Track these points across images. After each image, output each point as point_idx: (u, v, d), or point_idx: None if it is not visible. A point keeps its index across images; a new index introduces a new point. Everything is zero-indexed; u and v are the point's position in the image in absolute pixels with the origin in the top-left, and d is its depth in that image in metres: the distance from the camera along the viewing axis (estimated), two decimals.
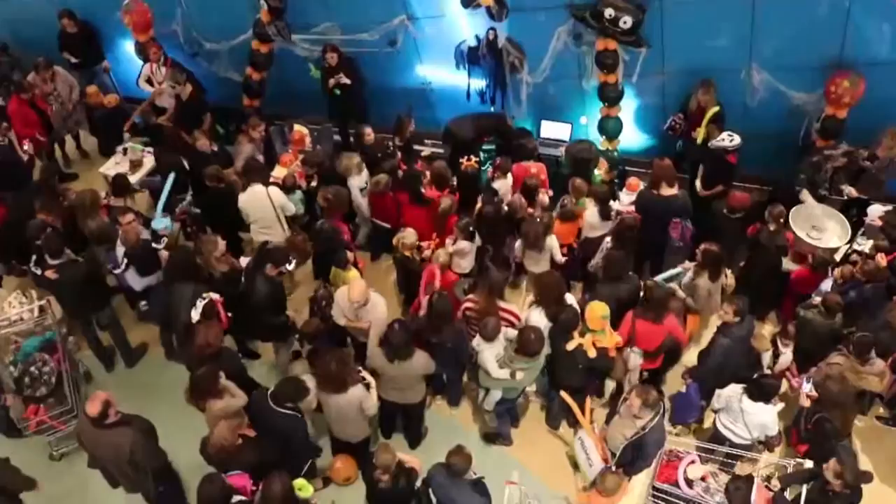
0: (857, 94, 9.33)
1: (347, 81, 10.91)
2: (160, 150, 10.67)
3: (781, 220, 8.74)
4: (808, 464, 7.11)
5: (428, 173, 9.68)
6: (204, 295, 7.71)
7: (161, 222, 9.01)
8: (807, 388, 7.66)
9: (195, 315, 7.56)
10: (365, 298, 7.61)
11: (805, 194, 9.44)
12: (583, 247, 9.35)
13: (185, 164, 10.16)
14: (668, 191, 9.09)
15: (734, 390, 7.43)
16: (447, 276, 8.63)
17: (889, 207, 9.25)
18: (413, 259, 8.85)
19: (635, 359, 7.91)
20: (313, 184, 9.94)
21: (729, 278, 8.66)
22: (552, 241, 8.80)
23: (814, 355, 8.09)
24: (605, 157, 10.32)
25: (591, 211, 9.19)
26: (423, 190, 9.42)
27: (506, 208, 9.27)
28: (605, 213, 9.15)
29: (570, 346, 7.55)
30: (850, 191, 9.56)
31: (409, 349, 7.27)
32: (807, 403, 7.53)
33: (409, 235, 8.81)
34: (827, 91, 9.53)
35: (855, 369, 7.59)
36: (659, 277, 8.68)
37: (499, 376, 7.44)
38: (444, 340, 7.60)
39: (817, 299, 8.21)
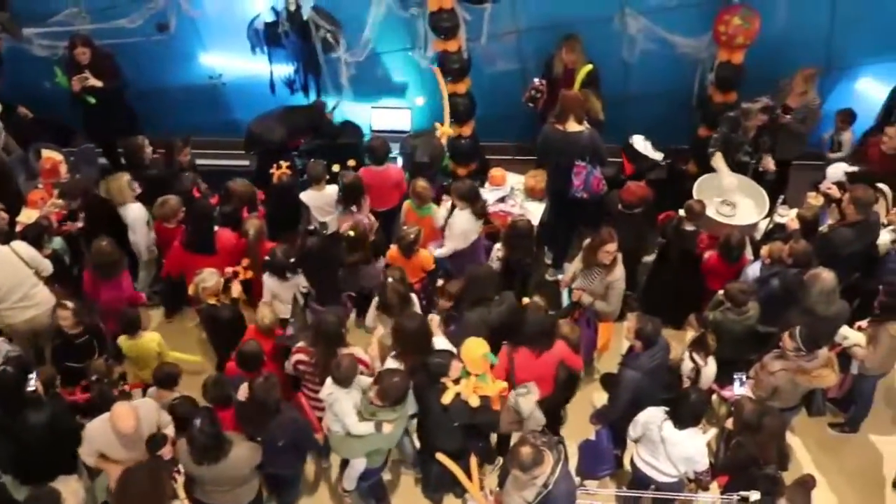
0: (752, 32, 9.65)
1: (97, 83, 10.39)
2: None
3: (698, 217, 8.95)
4: (755, 496, 7.13)
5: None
6: None
7: None
8: (740, 390, 7.81)
9: None
10: (135, 426, 7.13)
11: (717, 158, 9.65)
12: (455, 265, 9.29)
13: None
14: (574, 126, 9.21)
15: (654, 415, 7.40)
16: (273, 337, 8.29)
17: (853, 168, 9.56)
18: (223, 305, 8.52)
19: (527, 401, 7.74)
20: (79, 224, 9.46)
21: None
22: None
23: (736, 361, 8.26)
24: (456, 147, 10.21)
25: (461, 217, 9.10)
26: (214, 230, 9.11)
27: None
28: (480, 213, 9.16)
29: (447, 397, 7.33)
30: (767, 162, 9.89)
31: (221, 446, 6.95)
32: (729, 425, 7.60)
33: (208, 277, 8.43)
34: (716, 32, 9.82)
35: (803, 369, 7.72)
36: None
37: (362, 432, 7.23)
38: (274, 438, 7.26)
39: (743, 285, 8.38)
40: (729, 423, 7.59)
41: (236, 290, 8.66)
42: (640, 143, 10.03)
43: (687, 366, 8.14)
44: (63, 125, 11.16)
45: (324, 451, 8.19)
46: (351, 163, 10.14)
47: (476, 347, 7.37)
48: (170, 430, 7.35)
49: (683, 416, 7.20)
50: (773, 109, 9.73)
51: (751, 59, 10.09)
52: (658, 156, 10.04)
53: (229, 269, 8.75)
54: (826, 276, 7.87)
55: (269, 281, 8.64)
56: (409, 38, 10.59)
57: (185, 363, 8.67)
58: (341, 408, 7.22)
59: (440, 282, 9.18)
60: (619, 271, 8.49)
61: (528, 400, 7.70)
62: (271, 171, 9.77)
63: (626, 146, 10.17)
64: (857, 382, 8.54)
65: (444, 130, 10.28)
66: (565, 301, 8.95)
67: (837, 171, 9.53)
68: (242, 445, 7.10)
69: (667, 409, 7.35)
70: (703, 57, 10.22)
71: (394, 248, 8.95)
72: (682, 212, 9.03)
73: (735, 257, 8.78)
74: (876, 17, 10.32)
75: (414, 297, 8.42)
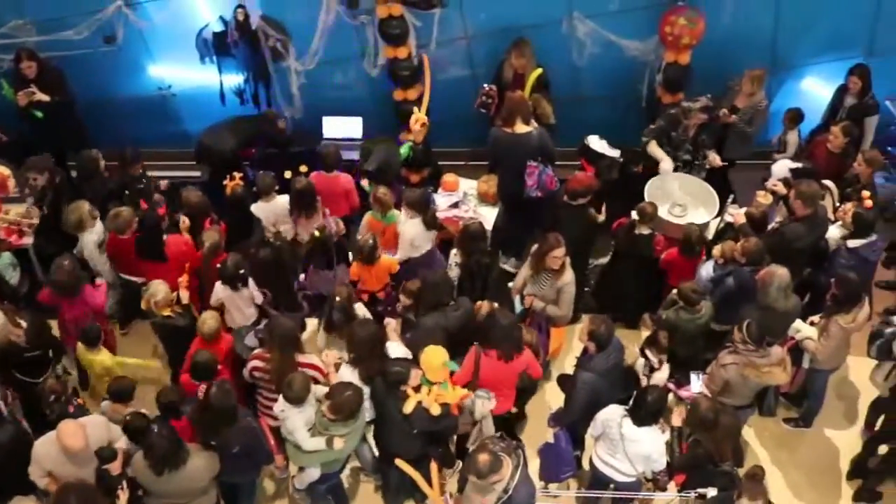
0: (698, 32, 9.81)
1: (44, 98, 10.28)
2: None
3: (651, 218, 9.03)
4: (712, 492, 7.19)
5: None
6: None
7: None
8: (698, 387, 7.88)
9: None
10: (83, 444, 6.99)
11: (653, 146, 9.75)
12: (409, 274, 9.16)
13: None
14: (523, 128, 9.25)
15: (614, 412, 7.42)
16: (220, 344, 8.20)
17: (797, 164, 9.72)
18: (178, 315, 8.45)
19: (483, 405, 7.76)
20: (25, 240, 9.44)
21: None
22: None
23: (691, 360, 8.33)
24: (409, 153, 10.23)
25: (410, 226, 9.08)
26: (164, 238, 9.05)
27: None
28: (431, 222, 9.13)
29: (409, 406, 7.31)
30: (713, 159, 9.99)
31: (179, 452, 6.88)
32: (678, 422, 7.67)
33: (158, 289, 8.35)
34: (662, 33, 9.95)
35: (753, 364, 7.78)
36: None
37: (312, 448, 7.19)
38: (228, 445, 7.20)
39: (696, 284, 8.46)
40: (676, 420, 7.64)
41: (185, 296, 8.58)
42: (596, 142, 10.05)
43: (640, 364, 8.22)
44: (23, 139, 11.00)
45: (270, 460, 8.00)
46: (303, 168, 10.13)
47: (436, 356, 7.37)
48: (122, 443, 7.28)
49: (642, 413, 7.22)
50: (712, 109, 9.84)
51: (698, 59, 10.25)
52: (615, 153, 10.07)
53: (182, 279, 8.68)
54: (782, 272, 8.00)
55: (221, 291, 8.56)
56: (359, 46, 10.56)
57: (143, 370, 8.71)
58: (292, 424, 7.18)
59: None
60: (569, 275, 8.48)
61: (484, 404, 7.73)
62: (224, 182, 9.71)
63: (582, 149, 10.17)
64: (809, 377, 8.65)
65: (419, 117, 10.24)
66: (517, 308, 8.96)
67: (782, 168, 9.69)
68: (200, 455, 7.04)
69: (626, 406, 7.39)
70: (650, 59, 10.34)
71: (355, 262, 8.91)
72: (634, 215, 9.09)
73: (695, 252, 8.86)
74: (819, 18, 10.55)
75: (363, 309, 8.44)
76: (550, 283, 8.50)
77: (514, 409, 8.31)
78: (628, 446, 7.26)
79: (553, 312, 8.61)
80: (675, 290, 8.46)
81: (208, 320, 7.99)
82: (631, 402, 7.43)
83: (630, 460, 7.33)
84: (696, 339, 8.38)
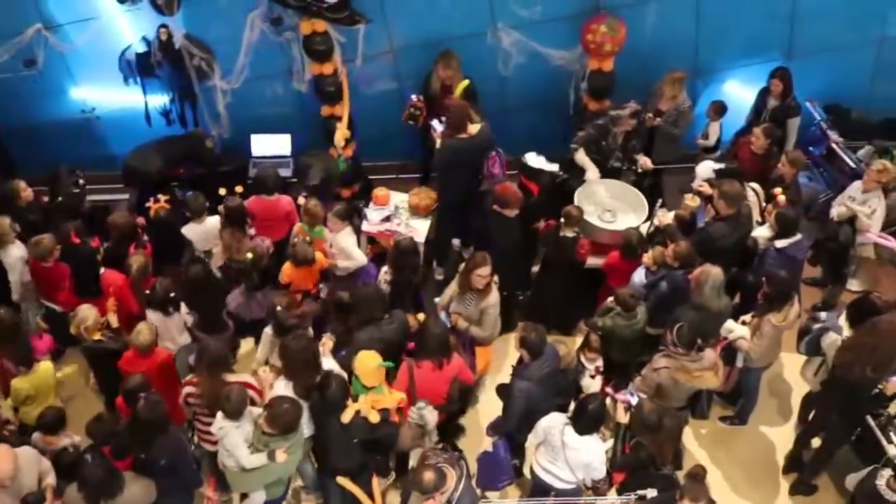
0: (619, 39, 9.95)
1: None
2: None
3: (576, 222, 9.10)
4: (651, 493, 7.25)
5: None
6: None
7: None
8: (634, 400, 7.88)
9: None
10: (12, 469, 6.77)
11: (580, 154, 9.83)
12: (337, 286, 9.15)
13: None
14: (475, 127, 9.40)
15: (556, 420, 7.44)
16: (154, 357, 8.10)
17: (720, 165, 9.90)
18: (109, 338, 8.35)
19: (432, 415, 7.75)
20: None
21: None
22: None
23: (628, 364, 8.45)
24: (337, 169, 10.23)
25: (344, 235, 9.10)
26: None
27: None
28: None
29: (347, 416, 7.27)
30: (644, 162, 10.12)
31: (115, 480, 6.79)
32: (624, 420, 7.71)
33: (87, 315, 8.23)
34: (584, 42, 10.07)
35: (685, 368, 7.86)
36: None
37: (255, 464, 7.12)
38: (157, 457, 7.11)
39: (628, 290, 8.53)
40: (622, 416, 7.72)
41: (114, 320, 8.48)
42: (534, 158, 10.12)
43: (576, 367, 8.31)
44: None
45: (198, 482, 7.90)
46: (239, 189, 10.07)
47: (369, 359, 7.35)
48: (51, 479, 7.15)
49: (584, 422, 7.24)
50: (640, 114, 9.97)
51: (623, 66, 10.39)
52: (554, 167, 10.15)
53: (110, 301, 8.59)
54: (715, 271, 8.11)
55: (152, 316, 8.45)
56: (284, 63, 10.52)
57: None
58: (232, 441, 7.11)
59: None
60: (493, 297, 8.50)
61: (433, 413, 7.72)
62: (148, 204, 9.64)
63: (522, 168, 10.24)
64: (743, 375, 8.78)
65: (343, 132, 10.33)
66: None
67: (706, 169, 9.85)
68: (136, 482, 6.96)
69: (568, 415, 7.41)
70: (575, 67, 10.46)
71: (288, 264, 8.85)
72: (567, 231, 9.14)
73: (636, 255, 8.92)
74: (739, 23, 10.80)
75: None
76: (475, 304, 8.52)
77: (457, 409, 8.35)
78: (569, 454, 7.29)
79: (476, 333, 8.64)
80: (611, 298, 8.54)
81: (143, 331, 7.88)
82: (572, 410, 7.46)
83: (570, 468, 7.35)
84: (633, 344, 8.47)
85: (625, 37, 9.91)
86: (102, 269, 8.95)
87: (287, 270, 8.87)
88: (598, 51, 9.96)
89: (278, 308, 8.06)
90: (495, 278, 8.52)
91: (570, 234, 9.13)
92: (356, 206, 9.67)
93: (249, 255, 8.76)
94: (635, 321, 8.38)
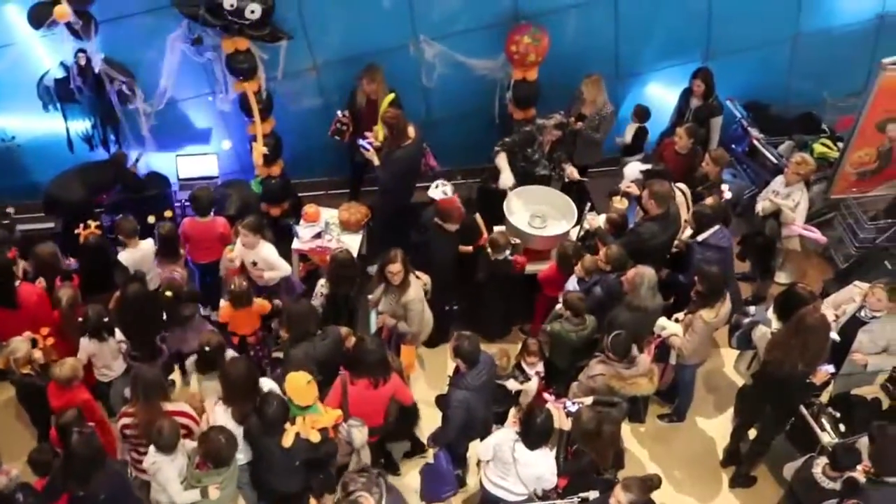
0: (542, 48, 10.05)
1: None
2: None
3: (504, 249, 9.19)
4: (593, 495, 7.32)
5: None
6: None
7: None
8: (574, 408, 7.92)
9: None
10: None
11: (501, 158, 9.94)
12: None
13: None
14: (413, 132, 9.60)
15: (506, 437, 7.44)
16: (74, 394, 7.92)
17: (647, 166, 10.03)
18: (35, 375, 8.16)
19: (361, 434, 7.72)
20: None
21: None
22: None
23: (569, 370, 8.53)
24: (267, 187, 10.21)
25: (268, 248, 9.07)
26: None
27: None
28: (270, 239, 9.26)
29: (288, 440, 7.22)
30: (570, 171, 10.23)
31: None
32: (568, 426, 7.77)
33: (19, 347, 8.07)
34: (508, 53, 10.18)
35: (620, 375, 7.95)
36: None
37: (187, 501, 7.04)
38: (96, 493, 7.01)
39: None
40: (567, 425, 7.71)
41: (37, 354, 8.27)
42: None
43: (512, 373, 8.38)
44: None
45: None
46: (168, 214, 9.96)
47: (299, 378, 7.29)
48: None
49: (534, 437, 7.27)
50: (566, 125, 10.11)
51: (546, 74, 10.49)
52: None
53: (28, 333, 8.38)
54: (649, 272, 8.24)
55: (87, 345, 8.30)
56: (208, 83, 10.46)
57: None
58: (164, 476, 7.02)
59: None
60: (413, 292, 8.54)
61: (361, 432, 7.69)
62: (77, 231, 9.50)
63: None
64: (677, 372, 8.92)
65: (258, 148, 10.26)
66: (373, 321, 9.00)
67: (633, 170, 10.00)
68: None
69: (518, 430, 7.40)
70: (499, 77, 10.55)
71: (225, 304, 8.76)
72: (489, 248, 9.25)
73: (572, 267, 8.96)
74: (657, 26, 11.00)
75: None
76: (397, 299, 8.58)
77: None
78: (521, 469, 7.32)
79: (403, 329, 8.69)
80: (559, 304, 8.57)
81: (67, 364, 7.78)
82: (518, 425, 7.43)
83: (523, 482, 7.40)
84: (578, 350, 8.49)
85: (547, 45, 10.02)
86: (18, 282, 8.77)
87: (226, 310, 8.78)
88: (522, 61, 10.06)
89: (206, 348, 7.97)
90: (423, 276, 8.73)
91: (500, 257, 9.22)
92: (286, 224, 9.61)
93: (168, 293, 8.63)
94: (583, 327, 8.41)
